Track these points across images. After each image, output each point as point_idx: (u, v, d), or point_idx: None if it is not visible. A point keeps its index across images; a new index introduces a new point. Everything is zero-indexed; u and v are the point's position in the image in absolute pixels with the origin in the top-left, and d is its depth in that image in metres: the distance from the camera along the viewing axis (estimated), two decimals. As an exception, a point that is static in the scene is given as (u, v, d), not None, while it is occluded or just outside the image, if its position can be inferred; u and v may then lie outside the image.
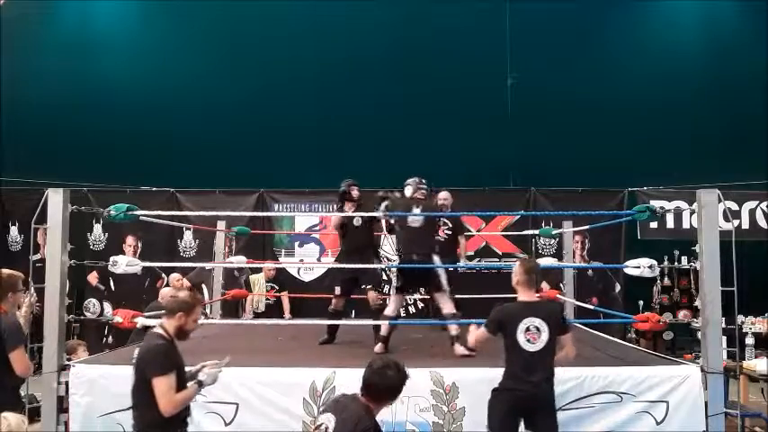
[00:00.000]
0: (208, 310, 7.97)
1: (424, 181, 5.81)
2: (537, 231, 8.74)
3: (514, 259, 9.68)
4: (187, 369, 3.71)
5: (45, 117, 10.23)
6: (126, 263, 5.25)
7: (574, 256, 9.05)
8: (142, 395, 3.49)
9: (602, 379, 4.55)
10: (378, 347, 5.50)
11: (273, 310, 8.55)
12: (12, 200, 10.22)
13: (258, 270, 8.72)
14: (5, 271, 4.49)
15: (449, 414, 4.50)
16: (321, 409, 3.37)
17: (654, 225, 9.72)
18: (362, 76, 10.48)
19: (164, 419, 3.46)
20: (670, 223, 9.81)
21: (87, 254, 9.33)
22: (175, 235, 10.16)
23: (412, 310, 9.57)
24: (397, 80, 10.60)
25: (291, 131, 10.45)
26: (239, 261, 8.02)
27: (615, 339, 6.94)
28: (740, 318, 8.30)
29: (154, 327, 3.79)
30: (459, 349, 5.30)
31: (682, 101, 10.35)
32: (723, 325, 4.87)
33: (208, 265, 8.27)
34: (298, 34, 10.77)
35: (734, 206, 9.60)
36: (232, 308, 8.58)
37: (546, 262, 8.53)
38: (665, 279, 10.27)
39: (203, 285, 8.31)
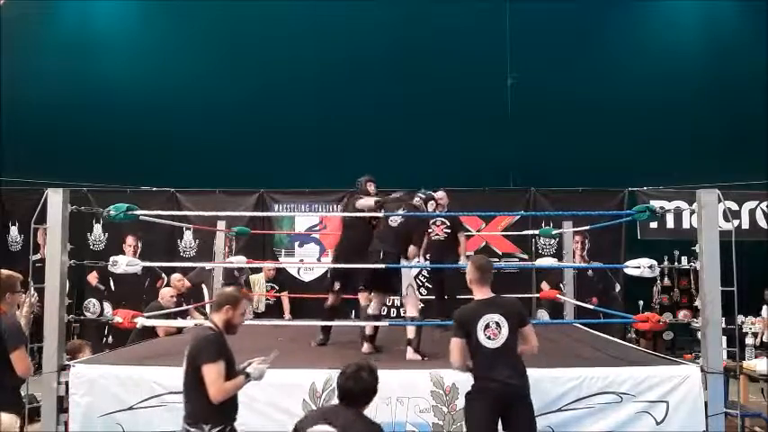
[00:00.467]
0: (208, 310, 7.97)
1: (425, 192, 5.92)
2: (537, 231, 8.74)
3: (515, 259, 9.71)
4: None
5: (45, 117, 10.22)
6: (126, 263, 5.25)
7: (574, 256, 9.05)
8: (192, 384, 3.58)
9: (602, 379, 4.55)
10: (366, 348, 5.48)
11: (273, 310, 8.56)
12: (12, 200, 10.21)
13: (258, 270, 8.73)
14: (4, 272, 4.49)
15: (449, 415, 4.50)
16: (308, 422, 3.35)
17: (654, 225, 9.71)
18: (362, 76, 10.48)
19: (213, 408, 3.55)
20: (670, 223, 9.81)
21: (87, 254, 9.33)
22: (175, 235, 10.16)
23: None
24: (397, 80, 10.61)
25: (291, 131, 10.45)
26: (239, 261, 8.02)
27: (615, 339, 6.94)
28: (740, 318, 8.29)
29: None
30: (410, 354, 5.32)
31: (682, 101, 10.35)
32: (723, 325, 4.87)
33: (208, 265, 8.26)
34: (298, 34, 10.77)
35: (734, 206, 9.60)
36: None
37: (546, 262, 8.56)
38: (665, 279, 10.27)
39: (203, 285, 8.31)
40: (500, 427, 4.03)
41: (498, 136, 10.08)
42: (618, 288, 9.72)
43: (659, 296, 10.25)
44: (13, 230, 10.24)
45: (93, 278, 10.09)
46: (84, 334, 9.02)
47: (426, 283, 9.60)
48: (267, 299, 8.63)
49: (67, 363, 4.70)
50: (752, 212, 9.86)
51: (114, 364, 4.83)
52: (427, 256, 7.33)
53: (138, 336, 6.49)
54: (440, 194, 7.40)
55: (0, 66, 9.88)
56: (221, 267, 7.95)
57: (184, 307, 7.06)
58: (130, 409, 4.55)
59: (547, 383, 4.48)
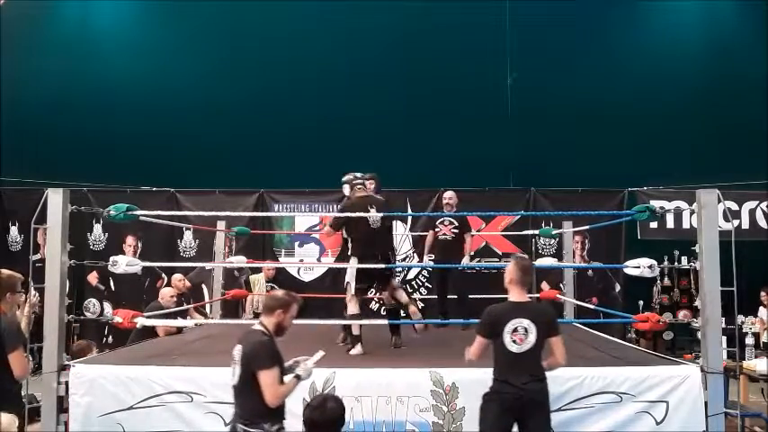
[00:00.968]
0: (208, 310, 7.98)
1: (358, 175, 5.74)
2: (537, 231, 8.74)
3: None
4: None
5: (45, 117, 10.23)
6: (126, 263, 5.24)
7: (574, 256, 9.05)
8: (247, 386, 3.64)
9: (602, 379, 4.54)
10: (357, 350, 5.42)
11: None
12: (12, 200, 10.22)
13: (258, 270, 8.72)
14: (4, 272, 4.49)
15: (449, 414, 4.50)
16: None
17: (654, 225, 9.72)
18: (363, 76, 10.48)
19: (266, 410, 3.64)
20: (670, 223, 9.81)
21: (87, 254, 9.34)
22: (175, 235, 10.17)
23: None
24: (397, 80, 10.62)
25: (291, 131, 10.46)
26: (239, 261, 8.02)
27: (615, 339, 6.93)
28: (740, 318, 8.28)
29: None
30: (356, 350, 5.38)
31: (682, 101, 10.37)
32: (723, 325, 4.87)
33: (208, 265, 8.26)
34: (298, 35, 10.78)
35: (734, 206, 9.61)
36: (232, 308, 8.58)
37: (546, 262, 8.55)
38: (665, 279, 10.28)
39: (203, 285, 8.31)
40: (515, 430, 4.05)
41: (498, 136, 10.08)
42: (618, 288, 9.73)
43: (659, 296, 10.26)
44: (13, 230, 10.24)
45: (93, 278, 10.09)
46: (85, 334, 9.01)
47: (426, 283, 9.63)
48: (267, 299, 8.61)
49: (67, 363, 4.69)
50: (752, 212, 9.86)
51: (114, 364, 4.82)
52: (431, 255, 7.36)
53: (138, 336, 6.48)
54: (449, 194, 7.40)
55: (0, 66, 9.88)
56: (221, 267, 7.95)
57: (184, 307, 7.06)
58: (130, 408, 4.54)
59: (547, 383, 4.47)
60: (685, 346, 9.67)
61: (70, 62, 10.65)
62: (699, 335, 5.15)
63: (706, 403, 4.51)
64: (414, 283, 9.81)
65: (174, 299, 6.99)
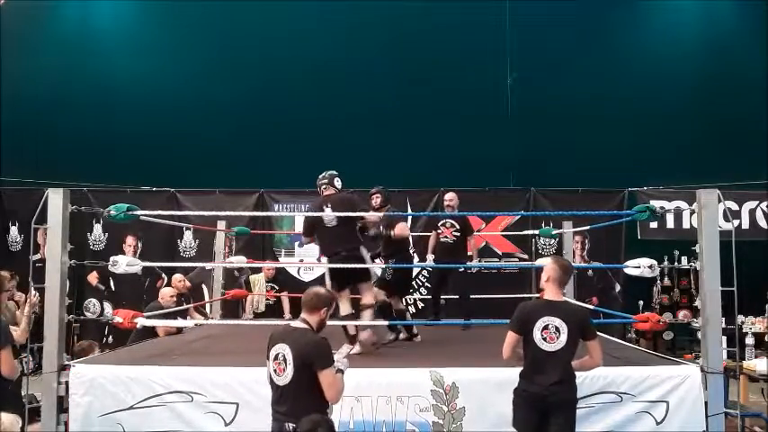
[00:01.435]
0: (208, 310, 7.98)
1: (326, 174, 5.72)
2: (537, 231, 8.73)
3: (515, 259, 9.71)
4: None
5: (45, 117, 10.23)
6: (126, 263, 5.23)
7: (574, 256, 9.05)
8: (301, 387, 3.63)
9: (602, 379, 4.53)
10: (355, 349, 5.39)
11: (273, 310, 8.55)
12: (12, 200, 10.22)
13: (258, 270, 8.72)
14: None
15: (449, 414, 4.50)
16: None
17: (654, 225, 9.72)
18: (363, 76, 10.48)
19: (320, 408, 3.65)
20: (670, 223, 9.81)
21: (87, 254, 9.33)
22: (175, 235, 10.17)
23: (412, 310, 9.57)
24: (397, 80, 10.62)
25: (291, 131, 10.45)
26: (239, 261, 8.02)
27: (615, 339, 6.93)
28: (740, 318, 8.29)
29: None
30: (345, 349, 5.28)
31: (682, 101, 10.37)
32: (723, 325, 4.86)
33: (208, 265, 8.26)
34: (298, 34, 10.78)
35: (734, 206, 9.61)
36: (232, 308, 8.58)
37: (546, 262, 8.53)
38: (665, 279, 10.28)
39: (203, 285, 8.31)
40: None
41: (498, 136, 10.08)
42: (618, 288, 9.73)
43: (659, 296, 10.26)
44: (13, 230, 10.24)
45: (93, 278, 10.09)
46: (85, 334, 9.02)
47: (426, 283, 9.62)
48: (267, 299, 8.62)
49: (68, 363, 4.69)
50: (752, 212, 9.86)
51: (114, 364, 4.82)
52: (433, 256, 7.36)
53: (138, 336, 6.49)
54: (449, 196, 7.37)
55: (0, 65, 9.88)
56: (221, 267, 7.95)
57: (184, 306, 7.06)
58: (130, 408, 4.54)
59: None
60: (685, 346, 9.68)
61: (70, 62, 10.66)
62: (699, 335, 5.16)
63: (706, 403, 4.51)
64: (414, 282, 9.79)
65: (174, 299, 6.99)
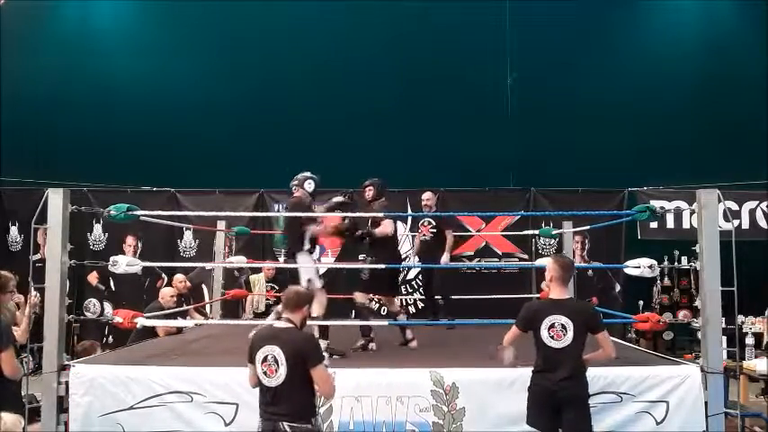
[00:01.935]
0: (208, 310, 7.98)
1: (299, 176, 5.96)
2: (537, 231, 8.74)
3: (515, 259, 9.71)
4: None
5: (45, 117, 10.22)
6: (126, 263, 5.24)
7: (574, 256, 9.05)
8: (295, 386, 3.67)
9: (602, 379, 4.55)
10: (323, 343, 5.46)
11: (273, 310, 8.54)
12: (12, 200, 10.21)
13: (258, 270, 8.72)
14: None
15: (449, 414, 4.50)
16: None
17: (654, 225, 9.70)
18: (363, 76, 10.47)
19: (313, 405, 3.75)
20: (670, 223, 9.80)
21: (87, 254, 9.32)
22: (175, 235, 10.16)
23: (412, 310, 9.57)
24: (397, 80, 10.61)
25: (291, 131, 10.44)
26: (239, 261, 8.03)
27: (615, 339, 6.90)
28: (740, 318, 8.29)
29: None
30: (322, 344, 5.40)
31: (682, 101, 10.36)
32: (723, 325, 4.86)
33: (208, 265, 8.26)
34: (297, 34, 10.77)
35: (734, 206, 9.59)
36: (232, 308, 8.58)
37: (546, 262, 8.53)
38: (665, 279, 10.26)
39: (203, 285, 8.31)
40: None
41: (498, 136, 10.08)
42: (618, 288, 9.72)
43: (659, 296, 10.24)
44: (13, 230, 10.23)
45: (93, 278, 10.08)
46: (85, 334, 9.02)
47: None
48: (267, 299, 8.61)
49: (67, 363, 4.70)
50: (752, 212, 9.85)
51: (114, 364, 4.83)
52: (416, 257, 7.44)
53: (138, 336, 6.49)
54: (426, 195, 7.49)
55: (0, 65, 9.88)
56: (221, 267, 7.95)
57: (184, 307, 7.06)
58: (130, 408, 4.55)
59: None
60: (685, 346, 9.67)
61: (70, 61, 10.64)
62: (699, 335, 5.16)
63: (706, 403, 4.52)
64: (414, 283, 9.81)
65: (174, 299, 7.00)
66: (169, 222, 8.46)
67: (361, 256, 6.07)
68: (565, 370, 4.06)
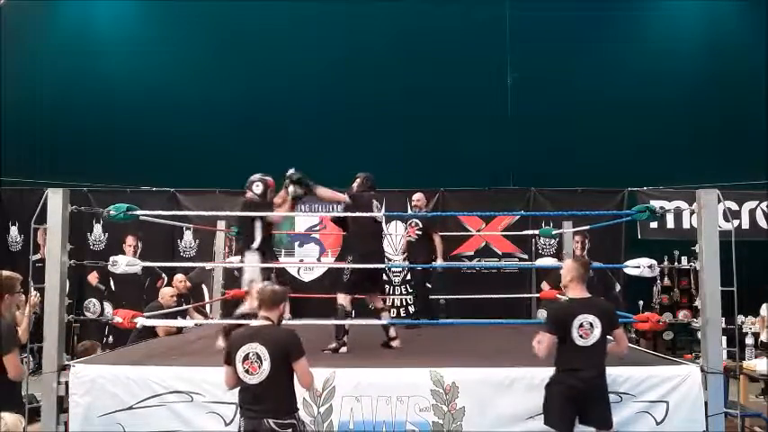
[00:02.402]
0: (208, 310, 7.98)
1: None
2: (537, 231, 8.74)
3: (515, 259, 9.71)
4: None
5: (45, 117, 10.21)
6: (126, 263, 5.24)
7: (574, 256, 9.04)
8: (278, 382, 3.76)
9: (602, 379, 4.54)
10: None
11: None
12: (12, 200, 10.21)
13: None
14: (4, 272, 4.49)
15: (449, 414, 4.50)
16: None
17: (654, 225, 9.70)
18: (362, 76, 10.47)
19: (295, 400, 3.85)
20: (670, 223, 9.80)
21: (87, 254, 9.32)
22: (175, 235, 10.15)
23: (412, 309, 9.57)
24: (397, 80, 10.60)
25: (291, 131, 10.45)
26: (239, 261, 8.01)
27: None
28: (740, 318, 8.29)
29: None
30: None
31: (682, 100, 10.36)
32: (723, 325, 4.87)
33: (208, 265, 8.26)
34: (298, 34, 10.77)
35: (734, 206, 9.59)
36: (232, 308, 8.56)
37: (546, 262, 8.55)
38: (665, 279, 10.27)
39: (203, 285, 8.31)
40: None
41: (498, 136, 10.08)
42: (618, 288, 9.70)
43: (659, 296, 10.25)
44: (13, 230, 10.23)
45: (93, 278, 10.08)
46: (85, 334, 9.00)
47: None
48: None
49: (67, 363, 4.69)
50: (752, 212, 9.85)
51: (114, 364, 4.82)
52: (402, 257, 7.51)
53: (138, 336, 6.49)
54: (417, 196, 7.54)
55: (0, 65, 9.88)
56: (221, 267, 7.95)
57: (184, 307, 7.06)
58: (130, 408, 4.54)
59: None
60: (685, 346, 9.67)
61: (71, 62, 10.64)
62: (699, 335, 5.16)
63: (706, 403, 4.51)
64: (413, 283, 9.80)
65: (174, 299, 7.00)
66: (169, 222, 8.45)
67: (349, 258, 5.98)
68: (594, 367, 4.17)
